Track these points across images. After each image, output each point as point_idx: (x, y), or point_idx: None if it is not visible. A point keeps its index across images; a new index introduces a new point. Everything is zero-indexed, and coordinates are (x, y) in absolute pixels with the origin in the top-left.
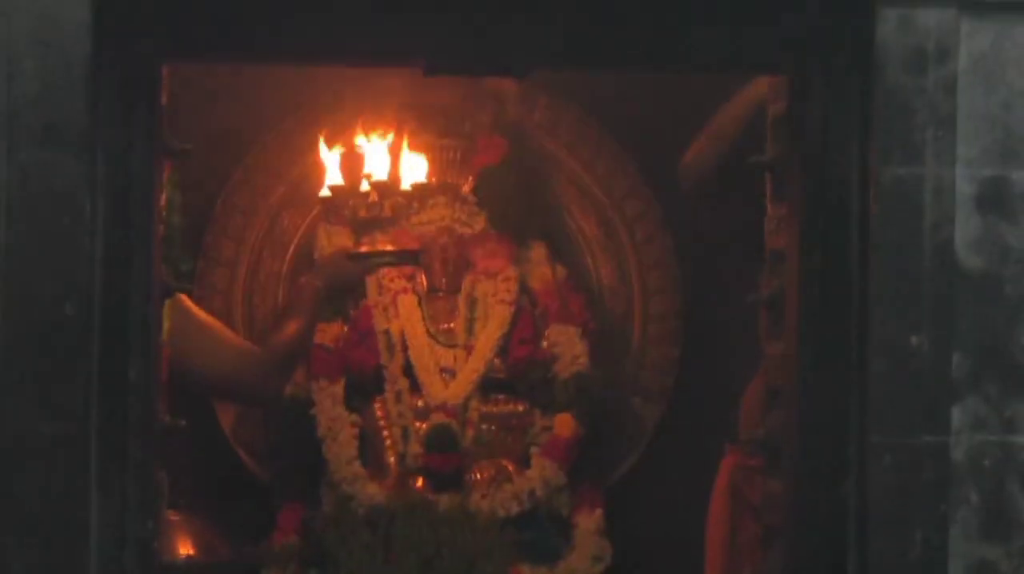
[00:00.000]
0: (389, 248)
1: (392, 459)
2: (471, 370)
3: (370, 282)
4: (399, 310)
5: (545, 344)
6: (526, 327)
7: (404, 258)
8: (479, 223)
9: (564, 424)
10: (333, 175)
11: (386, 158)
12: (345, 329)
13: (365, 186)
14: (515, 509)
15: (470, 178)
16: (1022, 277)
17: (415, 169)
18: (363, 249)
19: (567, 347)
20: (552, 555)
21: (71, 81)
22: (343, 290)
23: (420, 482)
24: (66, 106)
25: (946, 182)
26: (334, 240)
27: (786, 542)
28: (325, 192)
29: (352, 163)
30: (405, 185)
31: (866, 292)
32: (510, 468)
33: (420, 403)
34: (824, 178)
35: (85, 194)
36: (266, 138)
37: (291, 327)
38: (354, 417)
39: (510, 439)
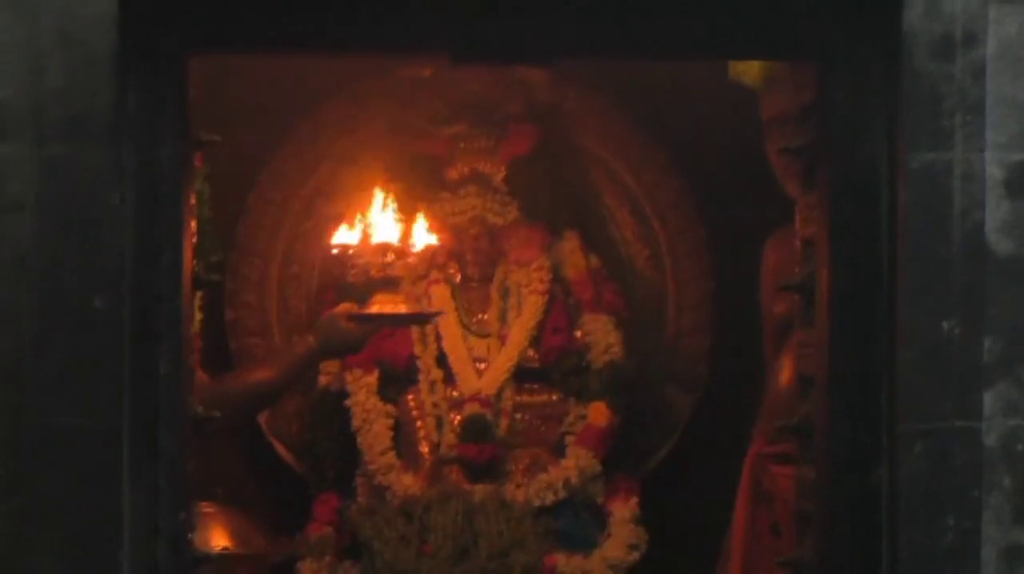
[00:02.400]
0: (403, 310)
1: (426, 449)
2: (505, 360)
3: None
4: (432, 300)
5: (579, 333)
6: (559, 316)
7: (416, 320)
8: (511, 213)
9: (599, 413)
10: (345, 234)
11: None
12: None
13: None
14: (550, 498)
15: (502, 167)
16: None
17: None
18: (373, 309)
19: (601, 336)
20: (587, 544)
21: (97, 74)
22: (340, 353)
23: (455, 472)
24: (93, 99)
25: (975, 167)
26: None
27: (818, 529)
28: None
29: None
30: (417, 248)
31: (896, 278)
32: (545, 457)
33: (454, 393)
34: (853, 165)
35: (113, 187)
36: (299, 127)
37: (258, 375)
38: (388, 408)
39: (544, 428)
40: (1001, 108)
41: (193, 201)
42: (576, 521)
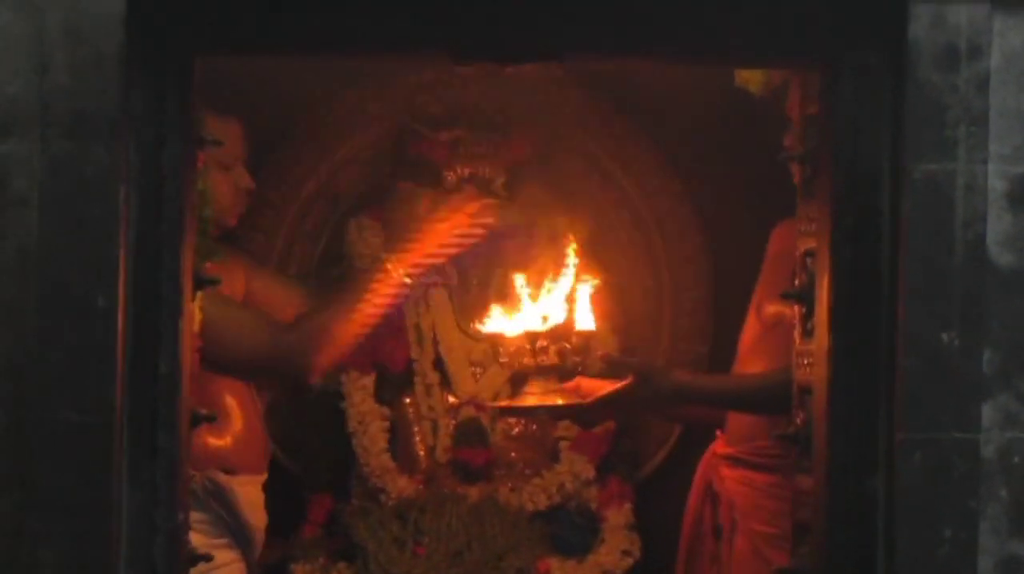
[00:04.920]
0: (559, 401)
1: (422, 452)
2: (501, 364)
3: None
4: (430, 304)
5: (575, 339)
6: None
7: (561, 414)
8: (511, 216)
9: None
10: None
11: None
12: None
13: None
14: (544, 503)
15: (502, 172)
16: None
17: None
18: (528, 401)
19: (597, 342)
20: (581, 549)
21: (103, 73)
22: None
23: (450, 475)
24: (98, 98)
25: (978, 179)
26: (364, 234)
27: (816, 538)
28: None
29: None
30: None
31: (897, 288)
32: (540, 462)
33: (450, 397)
34: (856, 174)
35: (117, 185)
36: (296, 131)
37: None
38: (384, 410)
39: (540, 433)
40: (1004, 120)
41: (195, 201)
42: (570, 526)
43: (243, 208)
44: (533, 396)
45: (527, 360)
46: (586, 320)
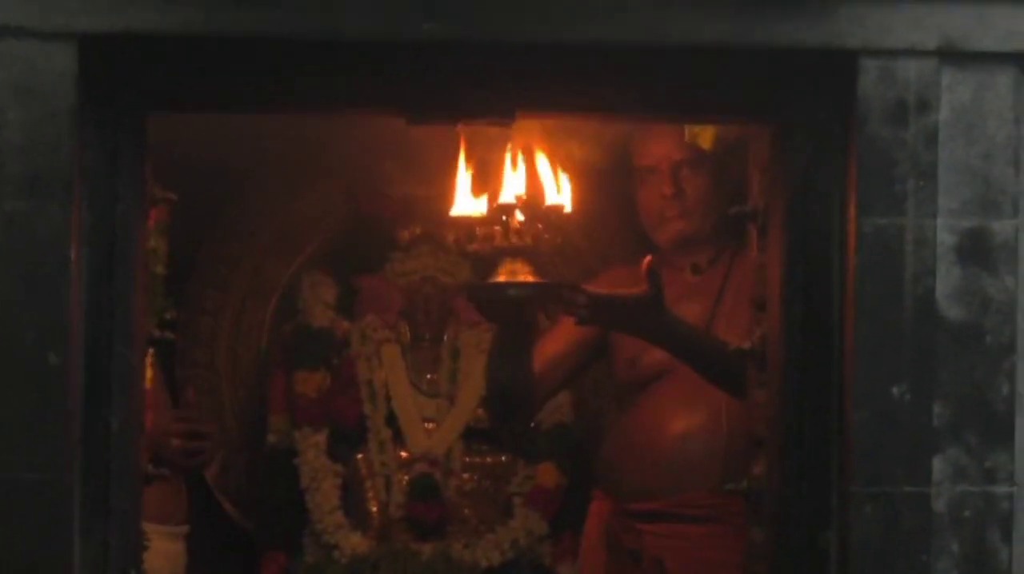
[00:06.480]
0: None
1: (375, 508)
2: (454, 420)
3: (353, 331)
4: (382, 360)
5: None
6: None
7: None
8: (463, 273)
9: (547, 474)
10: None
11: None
12: (328, 379)
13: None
14: (498, 559)
15: (453, 228)
16: (1003, 327)
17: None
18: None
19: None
20: None
21: (56, 130)
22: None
23: (403, 531)
24: (51, 156)
25: (927, 233)
26: (317, 290)
27: None
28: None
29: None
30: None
31: (847, 342)
32: (492, 517)
33: (403, 453)
34: (806, 228)
35: (69, 243)
36: (248, 185)
37: None
38: (337, 466)
39: (493, 489)
40: (953, 174)
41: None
42: None
43: None
44: (504, 275)
45: (499, 242)
46: (556, 195)
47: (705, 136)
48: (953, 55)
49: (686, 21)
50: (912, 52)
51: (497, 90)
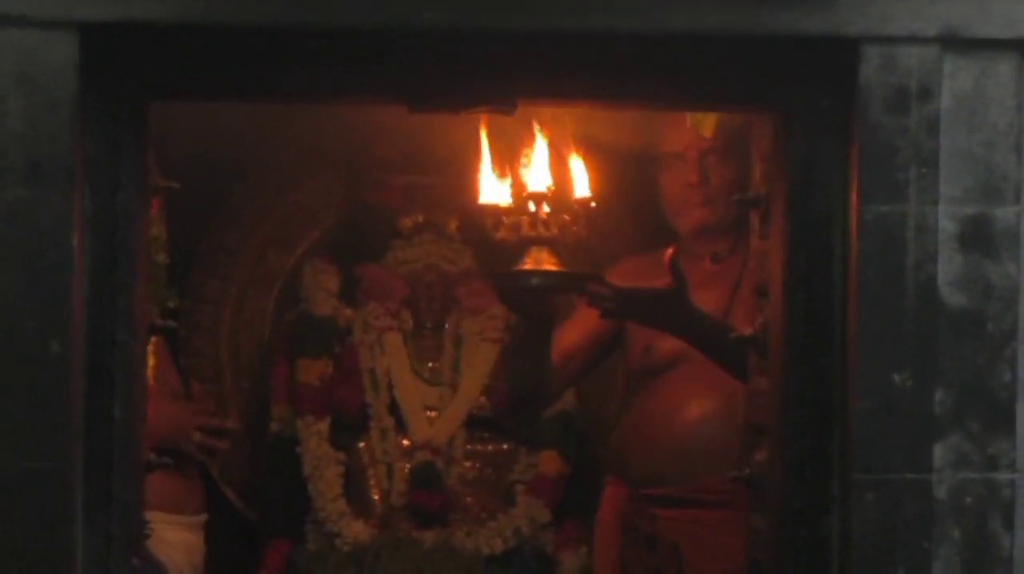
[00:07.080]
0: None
1: (377, 497)
2: (456, 408)
3: (356, 320)
4: (385, 348)
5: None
6: None
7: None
8: (465, 261)
9: (550, 462)
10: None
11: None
12: (330, 367)
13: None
14: (500, 547)
15: (455, 216)
16: (1004, 314)
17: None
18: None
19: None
20: None
21: (57, 119)
22: None
23: (405, 520)
24: (52, 145)
25: (929, 220)
26: (320, 278)
27: None
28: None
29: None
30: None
31: (849, 330)
32: (495, 506)
33: (405, 441)
34: (808, 216)
35: (71, 232)
36: (252, 174)
37: None
38: (339, 455)
39: (495, 477)
40: (955, 162)
41: (149, 246)
42: (525, 570)
43: None
44: (531, 262)
45: (526, 231)
46: (583, 187)
47: (707, 124)
48: (955, 42)
49: (688, 9)
50: (914, 39)
51: (498, 78)
